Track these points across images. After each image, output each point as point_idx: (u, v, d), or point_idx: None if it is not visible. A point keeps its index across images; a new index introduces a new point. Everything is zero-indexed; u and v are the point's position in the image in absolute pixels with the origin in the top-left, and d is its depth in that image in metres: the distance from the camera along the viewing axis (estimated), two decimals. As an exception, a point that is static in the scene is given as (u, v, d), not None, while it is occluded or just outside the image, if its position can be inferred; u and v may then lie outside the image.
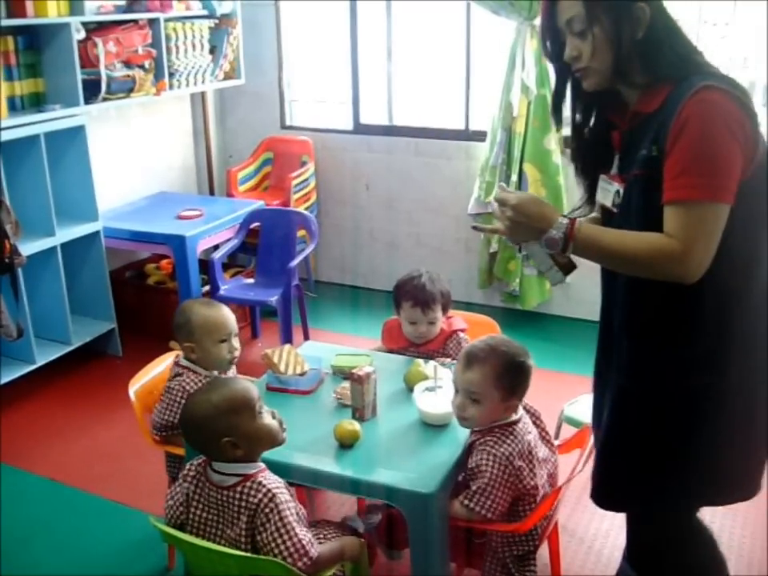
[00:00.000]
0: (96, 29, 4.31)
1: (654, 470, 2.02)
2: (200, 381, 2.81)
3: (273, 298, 4.41)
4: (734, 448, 1.99)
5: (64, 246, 4.26)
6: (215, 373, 2.87)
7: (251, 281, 4.74)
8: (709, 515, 2.30)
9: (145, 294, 4.82)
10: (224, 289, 4.53)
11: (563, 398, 3.31)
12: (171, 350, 3.11)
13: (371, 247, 5.57)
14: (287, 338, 4.43)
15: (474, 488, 2.30)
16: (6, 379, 4.03)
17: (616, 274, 1.99)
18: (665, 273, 1.82)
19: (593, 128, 2.10)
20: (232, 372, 2.98)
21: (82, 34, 4.19)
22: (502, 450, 2.32)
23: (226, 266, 4.86)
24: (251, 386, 2.21)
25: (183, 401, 2.76)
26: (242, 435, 2.12)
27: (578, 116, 2.11)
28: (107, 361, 4.59)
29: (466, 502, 2.30)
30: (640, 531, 2.23)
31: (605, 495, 2.16)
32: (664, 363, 1.96)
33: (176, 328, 2.89)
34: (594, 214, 2.21)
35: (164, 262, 5.06)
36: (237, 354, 2.90)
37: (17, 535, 3.21)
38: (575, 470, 2.36)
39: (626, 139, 1.99)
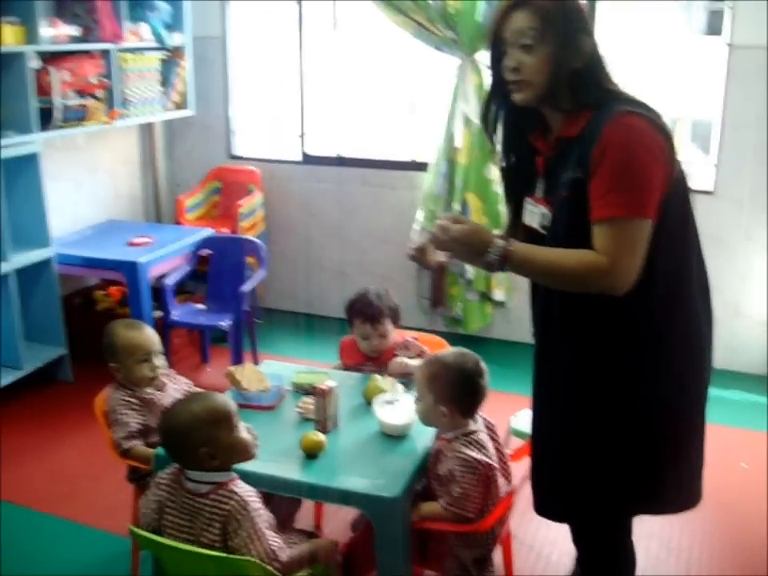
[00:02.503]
0: (50, 58, 4.38)
1: (595, 479, 2.17)
2: (134, 394, 2.94)
3: (224, 322, 4.50)
4: (672, 455, 2.15)
5: (17, 271, 4.30)
6: (148, 390, 2.98)
7: (202, 306, 4.82)
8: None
9: (95, 321, 4.82)
10: (176, 314, 4.60)
11: (507, 415, 3.46)
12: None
13: (319, 275, 5.71)
14: (238, 363, 4.51)
15: (455, 494, 2.44)
16: (-42, 403, 4.04)
17: (552, 296, 2.12)
18: (595, 286, 1.97)
19: (517, 152, 2.24)
20: (159, 390, 3.04)
21: (37, 63, 4.26)
22: (471, 454, 2.47)
23: (175, 293, 4.92)
24: (230, 400, 2.32)
25: (128, 411, 2.89)
26: (220, 446, 2.21)
27: (504, 139, 2.25)
28: (58, 386, 4.62)
29: (449, 507, 2.44)
30: (585, 542, 2.41)
31: (549, 507, 2.33)
32: (600, 376, 2.10)
33: (103, 350, 3.01)
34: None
35: (112, 288, 5.10)
36: (159, 372, 3.00)
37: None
38: (528, 473, 2.50)
39: (550, 164, 2.14)
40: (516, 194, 2.28)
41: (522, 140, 2.22)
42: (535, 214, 2.17)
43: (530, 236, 2.18)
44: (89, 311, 5.04)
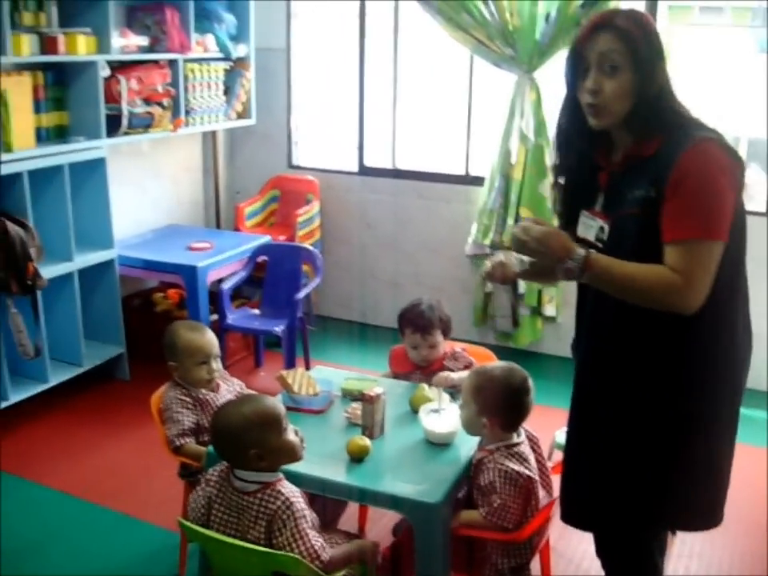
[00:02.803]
0: (120, 67, 4.54)
1: (624, 489, 2.21)
2: (189, 394, 3.03)
3: (279, 327, 4.61)
4: (704, 472, 2.20)
5: (80, 271, 4.45)
6: (202, 391, 3.06)
7: (257, 311, 4.94)
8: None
9: (153, 322, 4.97)
10: (231, 318, 4.72)
11: (553, 429, 3.50)
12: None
13: (372, 285, 5.79)
14: (290, 368, 4.59)
15: (494, 505, 2.50)
16: (21, 397, 4.20)
17: (606, 307, 2.16)
18: (667, 303, 2.01)
19: (582, 166, 2.27)
20: (213, 391, 3.12)
21: (107, 72, 4.42)
22: (511, 466, 2.53)
23: (231, 297, 5.04)
24: (279, 404, 2.40)
25: (183, 409, 2.98)
26: (268, 448, 2.29)
27: (570, 153, 2.28)
28: (115, 383, 4.76)
29: (489, 517, 2.50)
30: (608, 555, 2.44)
31: (575, 514, 2.38)
32: (642, 390, 2.15)
33: (164, 348, 3.11)
34: None
35: (171, 291, 5.24)
36: (216, 375, 3.09)
37: (30, 545, 3.35)
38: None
39: (614, 180, 2.17)
40: (573, 207, 2.31)
41: (586, 155, 2.26)
42: (592, 227, 2.21)
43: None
44: (147, 312, 5.18)
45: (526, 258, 2.42)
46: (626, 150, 2.14)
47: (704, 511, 2.26)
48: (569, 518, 2.39)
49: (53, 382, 4.36)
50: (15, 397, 4.17)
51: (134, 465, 3.95)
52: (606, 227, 2.16)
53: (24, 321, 4.05)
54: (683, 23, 5.07)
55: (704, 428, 2.15)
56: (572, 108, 2.19)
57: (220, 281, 4.87)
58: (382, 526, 3.29)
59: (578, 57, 2.12)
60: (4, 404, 4.12)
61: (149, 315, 5.14)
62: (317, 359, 4.91)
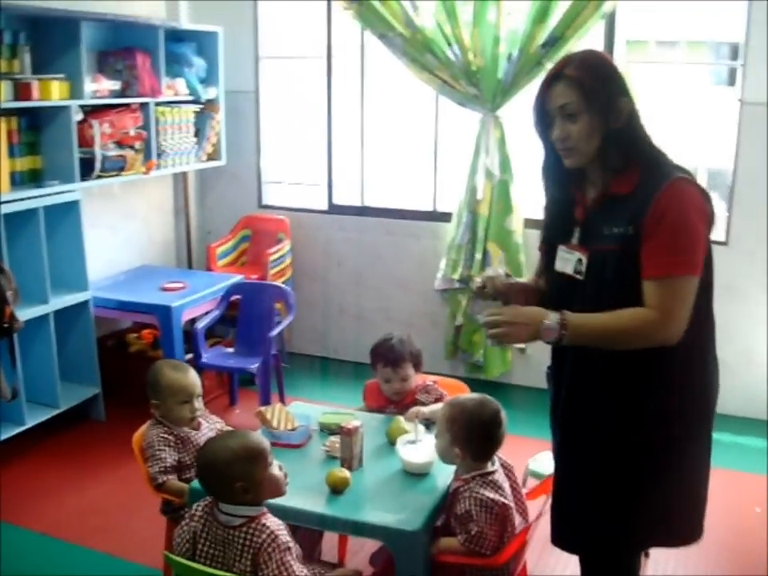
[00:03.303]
0: (92, 111, 4.62)
1: (610, 512, 2.31)
2: (171, 432, 3.07)
3: (253, 365, 4.67)
4: (683, 493, 2.31)
5: (56, 313, 4.48)
6: (184, 429, 3.11)
7: (231, 350, 4.99)
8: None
9: (128, 363, 5.01)
10: (206, 357, 4.78)
11: (525, 458, 3.58)
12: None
13: (342, 321, 5.87)
14: (265, 405, 4.64)
15: (472, 533, 2.57)
16: (-2, 439, 4.21)
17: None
18: (650, 340, 2.13)
19: (560, 202, 2.38)
20: (194, 429, 3.16)
21: (80, 116, 4.50)
22: (486, 494, 2.60)
23: (205, 336, 5.08)
24: (264, 439, 2.46)
25: (165, 447, 3.02)
26: (254, 481, 2.34)
27: (549, 191, 2.41)
28: (91, 424, 4.78)
29: (467, 544, 2.57)
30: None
31: (564, 537, 2.47)
32: (630, 417, 2.25)
33: (147, 386, 3.16)
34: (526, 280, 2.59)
35: (145, 331, 5.27)
36: (198, 414, 3.14)
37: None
38: (543, 510, 2.64)
39: (591, 215, 2.28)
40: (551, 241, 2.41)
41: (567, 191, 2.36)
42: (570, 260, 2.31)
43: (558, 283, 2.35)
44: (121, 353, 5.20)
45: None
46: (603, 186, 2.25)
47: (683, 528, 2.36)
48: (558, 541, 2.48)
49: (29, 423, 4.37)
50: (-7, 439, 4.19)
51: (113, 504, 3.97)
52: (584, 259, 2.26)
53: (1, 363, 4.08)
54: (641, 58, 5.26)
55: (680, 450, 2.26)
56: (546, 149, 2.33)
57: (193, 320, 4.93)
58: (360, 555, 3.35)
59: (541, 110, 2.26)
60: (-19, 446, 4.14)
61: (123, 356, 5.17)
62: (290, 395, 4.96)
